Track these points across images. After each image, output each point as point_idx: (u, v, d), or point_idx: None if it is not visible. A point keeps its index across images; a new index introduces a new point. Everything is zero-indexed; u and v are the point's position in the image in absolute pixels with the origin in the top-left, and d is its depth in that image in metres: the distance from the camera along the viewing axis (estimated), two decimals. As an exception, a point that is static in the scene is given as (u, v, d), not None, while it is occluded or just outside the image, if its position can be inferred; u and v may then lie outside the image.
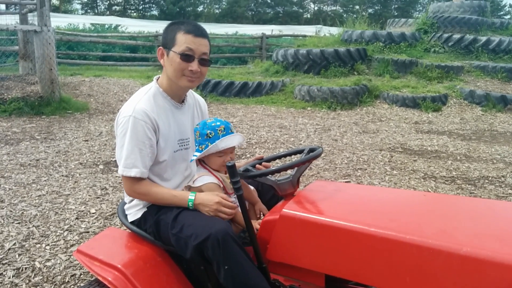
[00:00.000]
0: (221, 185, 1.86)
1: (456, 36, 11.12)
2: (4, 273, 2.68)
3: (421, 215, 1.61)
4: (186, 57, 1.76)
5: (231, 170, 1.56)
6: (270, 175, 1.73)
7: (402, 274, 1.38)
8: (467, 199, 1.88)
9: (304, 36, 16.42)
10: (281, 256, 1.64)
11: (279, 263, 1.66)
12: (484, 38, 10.89)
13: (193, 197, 1.75)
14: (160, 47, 1.83)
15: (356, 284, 1.79)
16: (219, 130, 1.83)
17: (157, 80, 1.92)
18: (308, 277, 1.64)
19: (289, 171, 1.82)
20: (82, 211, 3.62)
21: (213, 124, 1.84)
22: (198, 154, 1.83)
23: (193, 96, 2.07)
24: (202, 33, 1.80)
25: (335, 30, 16.26)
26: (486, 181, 4.63)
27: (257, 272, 1.61)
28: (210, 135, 1.81)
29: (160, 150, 1.83)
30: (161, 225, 1.77)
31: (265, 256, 1.67)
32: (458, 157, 5.53)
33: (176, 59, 1.77)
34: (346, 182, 4.44)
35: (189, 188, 1.90)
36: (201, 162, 1.92)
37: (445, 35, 11.28)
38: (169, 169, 1.88)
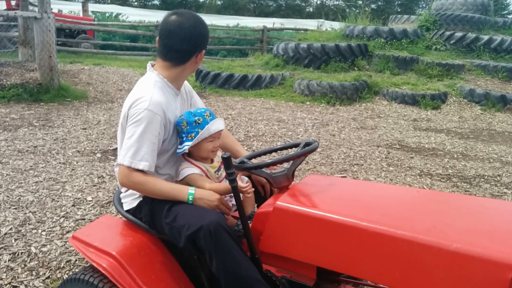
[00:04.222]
0: (204, 174, 1.85)
1: (458, 34, 11.09)
2: (0, 257, 2.70)
3: (413, 211, 1.62)
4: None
5: (227, 161, 1.57)
6: (265, 168, 1.75)
7: (392, 268, 1.40)
8: (460, 196, 1.90)
9: (306, 30, 16.35)
10: (274, 248, 1.66)
11: (271, 254, 1.68)
12: (486, 37, 10.86)
13: (193, 191, 1.74)
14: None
15: (347, 277, 1.81)
16: (206, 116, 1.84)
17: (153, 68, 1.87)
18: (300, 268, 1.66)
19: (284, 164, 1.83)
20: (79, 198, 3.64)
21: (199, 111, 1.85)
22: (189, 143, 1.80)
23: None
24: None
25: (337, 25, 16.19)
26: (482, 179, 4.65)
27: (249, 263, 1.62)
28: (198, 121, 1.81)
29: (167, 140, 1.83)
30: (156, 214, 1.78)
31: (258, 247, 1.68)
32: (455, 155, 5.55)
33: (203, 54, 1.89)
34: (342, 177, 4.46)
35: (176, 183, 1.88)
36: (183, 155, 1.89)
37: (447, 33, 11.24)
38: (170, 160, 1.88)
